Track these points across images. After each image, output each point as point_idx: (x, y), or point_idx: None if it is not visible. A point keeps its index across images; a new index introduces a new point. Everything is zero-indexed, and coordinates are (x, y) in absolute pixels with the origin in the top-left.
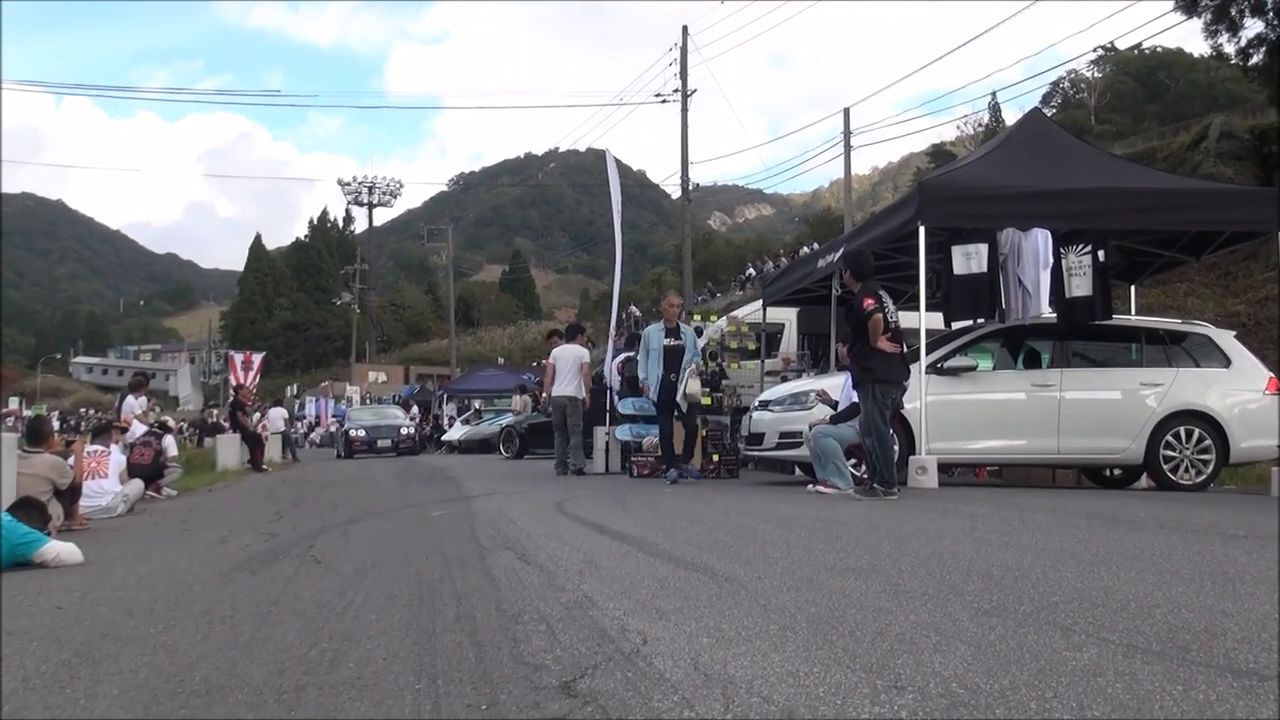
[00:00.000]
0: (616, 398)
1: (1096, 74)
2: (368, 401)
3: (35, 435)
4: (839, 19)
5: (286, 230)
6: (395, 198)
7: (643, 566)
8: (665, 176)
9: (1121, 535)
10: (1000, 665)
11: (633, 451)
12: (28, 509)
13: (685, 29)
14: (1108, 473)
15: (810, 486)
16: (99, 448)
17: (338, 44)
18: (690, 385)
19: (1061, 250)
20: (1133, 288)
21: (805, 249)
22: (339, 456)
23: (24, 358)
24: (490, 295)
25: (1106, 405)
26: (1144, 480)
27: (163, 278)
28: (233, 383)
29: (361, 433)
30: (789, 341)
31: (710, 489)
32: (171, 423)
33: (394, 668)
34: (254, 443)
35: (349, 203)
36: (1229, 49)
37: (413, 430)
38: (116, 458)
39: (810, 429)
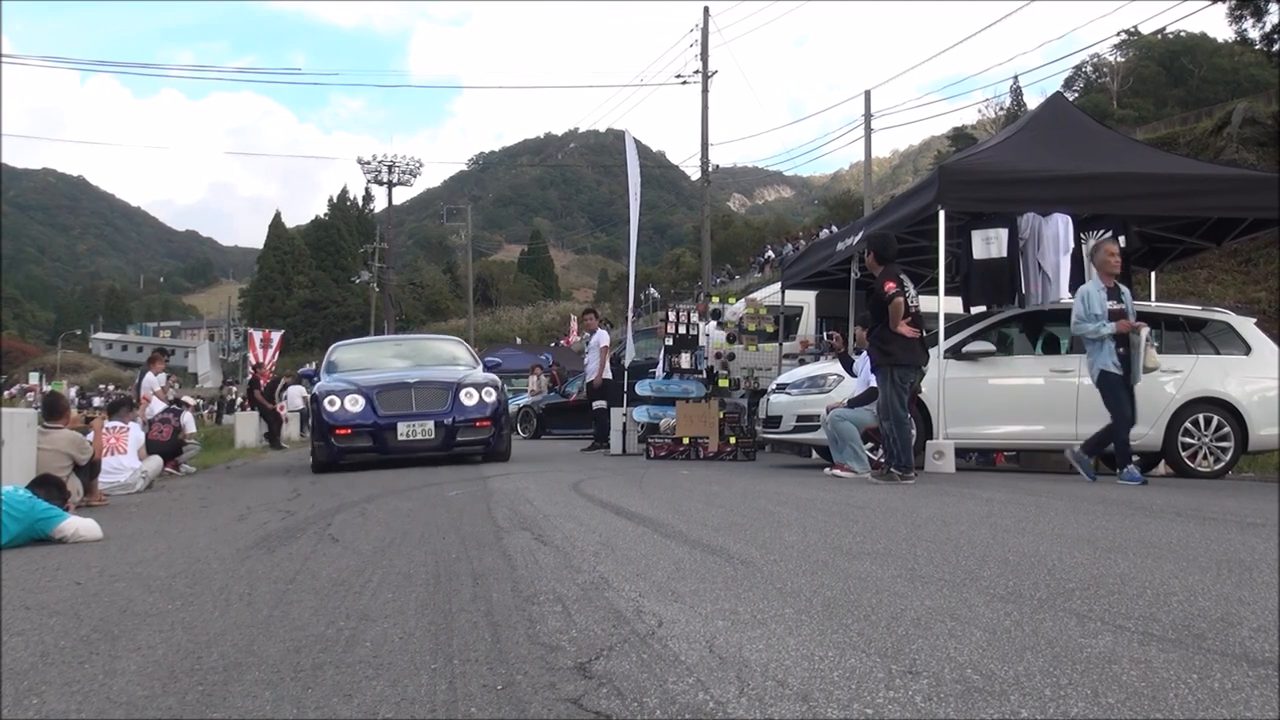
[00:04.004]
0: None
1: (1119, 58)
2: None
3: (52, 410)
4: (861, 2)
5: (306, 208)
6: (415, 177)
7: (659, 548)
8: (685, 158)
9: (1138, 522)
10: (1015, 651)
11: (650, 433)
12: (47, 486)
13: (706, 10)
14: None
15: (827, 470)
16: (118, 424)
17: (360, 25)
18: (1150, 356)
19: (1082, 235)
20: (1153, 274)
21: (824, 231)
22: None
23: (44, 333)
24: (509, 275)
25: None
26: (1162, 467)
27: (183, 254)
28: (252, 361)
29: (356, 404)
30: (807, 324)
31: (727, 471)
32: (190, 399)
33: (410, 647)
34: (273, 420)
35: (369, 181)
36: (1253, 34)
37: (494, 401)
38: (135, 434)
39: (827, 412)
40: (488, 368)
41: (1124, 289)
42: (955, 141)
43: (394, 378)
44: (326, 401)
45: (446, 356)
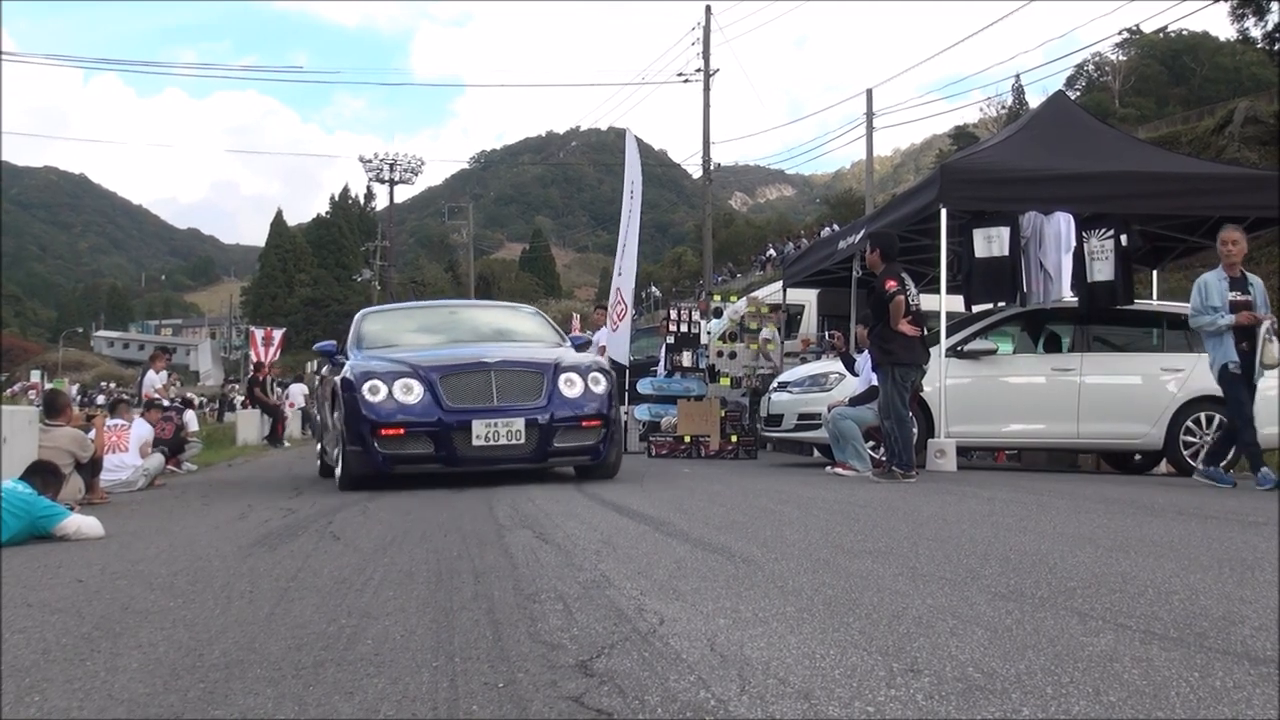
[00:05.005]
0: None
1: (1121, 57)
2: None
3: (51, 408)
4: (862, 1)
5: (308, 206)
6: (417, 175)
7: (660, 547)
8: (687, 156)
9: (1140, 521)
10: (1017, 650)
11: (651, 431)
12: (43, 474)
13: (708, 8)
14: (1134, 457)
15: (828, 468)
16: (120, 421)
17: (363, 25)
18: (1268, 352)
19: (1083, 234)
20: (1155, 272)
21: (826, 230)
22: (331, 473)
23: (46, 331)
24: (510, 273)
25: (1127, 390)
26: (1164, 466)
27: (184, 252)
28: (253, 359)
29: (411, 392)
30: (809, 323)
31: (728, 470)
32: (194, 397)
33: (411, 645)
34: (275, 416)
35: (370, 179)
36: (1255, 33)
37: (604, 392)
38: (139, 431)
39: (829, 411)
40: (576, 346)
41: (1254, 279)
42: (957, 140)
43: (464, 355)
44: (366, 388)
45: (520, 331)
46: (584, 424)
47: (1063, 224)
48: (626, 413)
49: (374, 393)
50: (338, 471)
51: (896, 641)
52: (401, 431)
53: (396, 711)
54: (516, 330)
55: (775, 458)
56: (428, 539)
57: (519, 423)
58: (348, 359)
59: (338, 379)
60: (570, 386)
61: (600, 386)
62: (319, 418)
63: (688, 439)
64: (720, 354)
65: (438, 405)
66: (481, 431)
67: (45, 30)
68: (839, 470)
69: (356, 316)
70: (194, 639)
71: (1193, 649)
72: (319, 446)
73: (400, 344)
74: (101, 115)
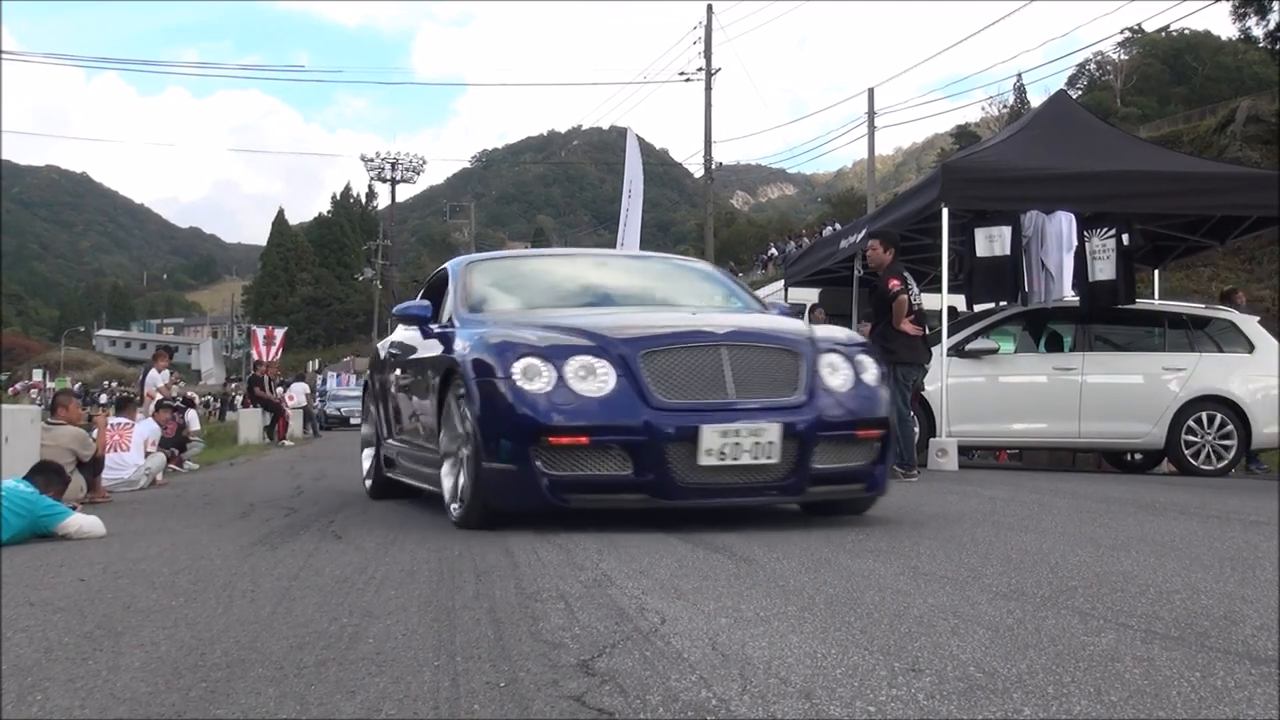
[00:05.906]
0: None
1: (1123, 56)
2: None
3: (50, 407)
4: (863, 1)
5: (309, 205)
6: (418, 174)
7: (661, 546)
8: (688, 155)
9: (1141, 520)
10: (1018, 649)
11: None
12: (46, 473)
13: (710, 8)
14: (1129, 457)
15: None
16: (123, 420)
17: (364, 25)
18: None
19: (1085, 233)
20: (1156, 272)
21: (828, 229)
22: (389, 491)
23: (48, 330)
24: None
25: (1128, 389)
26: (1165, 465)
27: (186, 251)
28: (254, 357)
29: (591, 377)
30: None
31: None
32: (195, 395)
33: (413, 644)
34: (276, 413)
35: (372, 178)
36: (1257, 32)
37: (876, 384)
38: (141, 429)
39: None
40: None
41: None
42: (959, 139)
43: (671, 322)
44: (518, 370)
45: (706, 292)
46: (859, 434)
47: (1064, 223)
48: None
49: (531, 377)
50: (453, 506)
51: (898, 641)
52: (583, 441)
53: (398, 710)
54: (700, 291)
55: None
56: (429, 538)
57: (772, 430)
58: (455, 328)
59: (466, 359)
60: (833, 374)
61: (871, 374)
62: (375, 411)
63: None
64: None
65: (642, 399)
66: (714, 443)
67: (46, 30)
68: None
69: (454, 267)
70: (196, 638)
71: (1194, 648)
72: (369, 454)
73: (536, 306)
74: (103, 114)
